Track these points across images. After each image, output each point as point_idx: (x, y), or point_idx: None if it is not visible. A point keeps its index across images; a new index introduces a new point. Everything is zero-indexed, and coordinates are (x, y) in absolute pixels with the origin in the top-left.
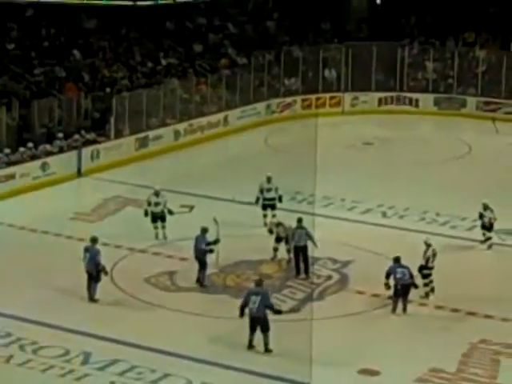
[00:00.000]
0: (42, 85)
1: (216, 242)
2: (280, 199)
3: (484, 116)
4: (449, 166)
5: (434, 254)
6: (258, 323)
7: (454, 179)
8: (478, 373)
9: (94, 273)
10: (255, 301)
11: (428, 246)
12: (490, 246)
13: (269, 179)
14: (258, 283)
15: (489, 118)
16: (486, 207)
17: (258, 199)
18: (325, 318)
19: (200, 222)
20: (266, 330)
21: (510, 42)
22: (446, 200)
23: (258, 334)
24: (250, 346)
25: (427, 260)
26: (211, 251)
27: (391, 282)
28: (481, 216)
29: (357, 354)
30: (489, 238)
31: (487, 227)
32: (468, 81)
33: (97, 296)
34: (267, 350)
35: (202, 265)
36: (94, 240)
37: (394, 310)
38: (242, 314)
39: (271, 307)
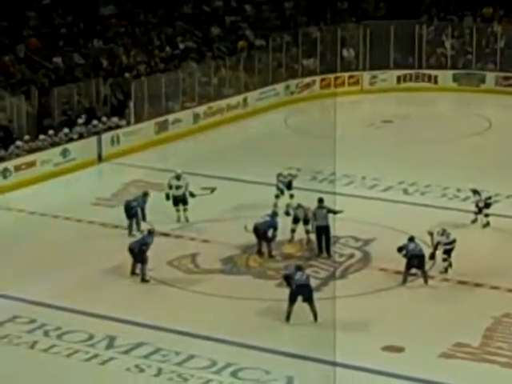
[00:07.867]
0: (60, 72)
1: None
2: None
3: (504, 91)
4: (469, 141)
5: (443, 233)
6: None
7: (474, 155)
8: (503, 346)
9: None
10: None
11: (431, 234)
12: (485, 225)
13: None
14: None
15: (508, 92)
16: (474, 192)
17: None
18: (348, 295)
19: (222, 203)
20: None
21: None
22: (467, 176)
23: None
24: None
25: (436, 245)
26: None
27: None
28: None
29: (380, 331)
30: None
31: (479, 210)
32: (487, 56)
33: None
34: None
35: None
36: (150, 232)
37: (404, 281)
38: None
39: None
